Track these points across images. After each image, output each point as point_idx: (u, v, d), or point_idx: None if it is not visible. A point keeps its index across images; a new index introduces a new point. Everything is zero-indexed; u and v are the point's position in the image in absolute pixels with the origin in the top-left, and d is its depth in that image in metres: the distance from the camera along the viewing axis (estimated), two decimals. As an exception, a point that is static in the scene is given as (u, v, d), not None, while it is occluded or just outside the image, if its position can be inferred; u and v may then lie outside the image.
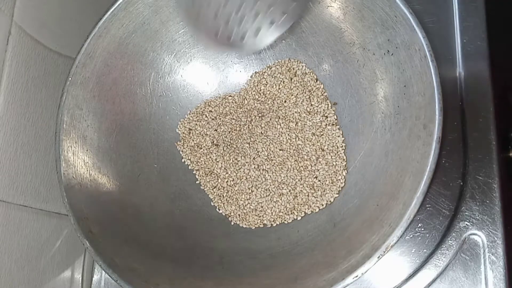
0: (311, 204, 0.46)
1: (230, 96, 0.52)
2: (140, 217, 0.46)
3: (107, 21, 0.46)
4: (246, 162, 0.49)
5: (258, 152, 0.49)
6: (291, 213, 0.47)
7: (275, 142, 0.49)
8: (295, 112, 0.49)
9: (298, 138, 0.48)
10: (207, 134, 0.51)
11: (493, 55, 0.48)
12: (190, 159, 0.51)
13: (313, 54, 0.49)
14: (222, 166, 0.50)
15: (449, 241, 0.45)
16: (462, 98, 0.48)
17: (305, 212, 0.46)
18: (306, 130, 0.48)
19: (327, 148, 0.47)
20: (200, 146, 0.51)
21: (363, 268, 0.35)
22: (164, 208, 0.48)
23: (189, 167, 0.51)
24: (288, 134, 0.49)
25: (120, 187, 0.47)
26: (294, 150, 0.48)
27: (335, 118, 0.48)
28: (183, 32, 0.50)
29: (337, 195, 0.46)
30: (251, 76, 0.52)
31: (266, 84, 0.51)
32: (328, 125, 0.48)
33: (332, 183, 0.46)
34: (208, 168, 0.50)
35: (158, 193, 0.49)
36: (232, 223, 0.48)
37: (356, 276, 0.35)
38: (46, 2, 0.48)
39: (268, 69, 0.51)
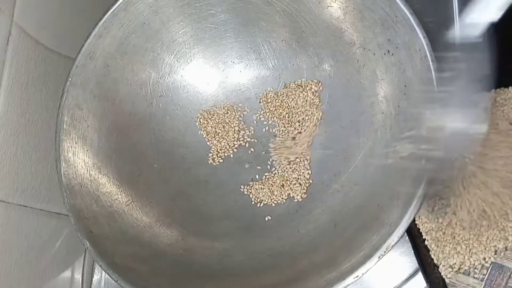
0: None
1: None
2: (141, 217, 0.46)
3: (107, 21, 0.46)
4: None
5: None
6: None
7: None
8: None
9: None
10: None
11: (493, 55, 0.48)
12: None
13: (313, 54, 0.49)
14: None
15: None
16: (462, 98, 0.48)
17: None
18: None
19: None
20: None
21: (364, 268, 0.35)
22: (164, 208, 0.48)
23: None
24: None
25: (120, 187, 0.47)
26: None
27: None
28: (183, 32, 0.50)
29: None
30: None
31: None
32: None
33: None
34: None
35: (158, 193, 0.49)
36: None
37: (357, 276, 0.35)
38: (46, 2, 0.48)
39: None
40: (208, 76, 0.53)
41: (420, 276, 0.45)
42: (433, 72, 0.38)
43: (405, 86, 0.41)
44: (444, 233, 0.41)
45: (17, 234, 0.43)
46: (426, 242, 0.41)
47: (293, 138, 0.50)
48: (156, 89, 0.51)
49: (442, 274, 0.40)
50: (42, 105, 0.47)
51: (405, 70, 0.41)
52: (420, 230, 0.42)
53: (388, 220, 0.37)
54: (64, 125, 0.45)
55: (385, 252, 0.35)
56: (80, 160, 0.45)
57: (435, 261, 0.41)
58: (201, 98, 0.53)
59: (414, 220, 0.41)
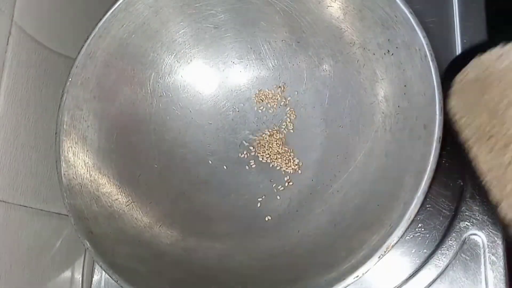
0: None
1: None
2: (141, 217, 0.46)
3: (107, 21, 0.46)
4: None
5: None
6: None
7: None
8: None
9: None
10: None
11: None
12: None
13: (313, 54, 0.49)
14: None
15: (449, 241, 0.45)
16: (462, 98, 0.48)
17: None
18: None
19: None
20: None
21: (364, 268, 0.35)
22: (164, 209, 0.48)
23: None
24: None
25: (121, 188, 0.47)
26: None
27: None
28: (183, 33, 0.50)
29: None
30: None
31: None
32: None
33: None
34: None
35: (158, 193, 0.49)
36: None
37: (357, 276, 0.35)
38: (46, 2, 0.48)
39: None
40: (208, 76, 0.53)
41: (420, 276, 0.45)
42: (433, 72, 0.38)
43: (405, 86, 0.41)
44: (505, 173, 0.39)
45: (17, 234, 0.43)
46: (485, 183, 0.40)
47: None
48: (156, 89, 0.51)
49: (503, 213, 0.39)
50: (42, 105, 0.47)
51: (405, 70, 0.41)
52: (479, 170, 0.40)
53: (388, 220, 0.37)
54: (64, 126, 0.45)
55: (385, 252, 0.35)
56: (80, 160, 0.45)
57: (495, 201, 0.39)
58: (201, 98, 0.53)
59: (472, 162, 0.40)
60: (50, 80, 0.48)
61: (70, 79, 0.45)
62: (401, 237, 0.35)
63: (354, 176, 0.45)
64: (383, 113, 0.44)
